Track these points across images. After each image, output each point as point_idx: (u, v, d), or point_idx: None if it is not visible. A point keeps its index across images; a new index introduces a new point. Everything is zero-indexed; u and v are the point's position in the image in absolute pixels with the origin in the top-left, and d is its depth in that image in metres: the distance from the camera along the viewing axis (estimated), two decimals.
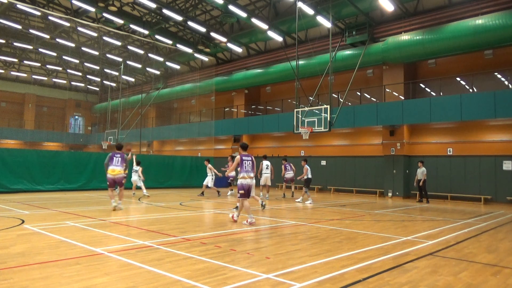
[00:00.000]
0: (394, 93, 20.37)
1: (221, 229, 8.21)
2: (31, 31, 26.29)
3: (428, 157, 19.01)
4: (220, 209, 12.04)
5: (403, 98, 19.87)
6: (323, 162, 22.89)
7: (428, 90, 21.02)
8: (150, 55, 29.82)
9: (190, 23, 22.56)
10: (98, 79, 40.22)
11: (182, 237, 6.96)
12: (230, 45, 25.33)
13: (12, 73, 38.30)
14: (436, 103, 17.87)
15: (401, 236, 7.67)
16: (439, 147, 19.45)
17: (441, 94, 19.95)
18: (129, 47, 29.27)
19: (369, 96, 23.07)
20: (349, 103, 22.07)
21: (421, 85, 21.06)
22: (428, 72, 20.56)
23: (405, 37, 18.95)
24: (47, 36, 26.90)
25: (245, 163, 8.88)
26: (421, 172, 16.69)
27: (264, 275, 4.62)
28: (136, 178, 16.19)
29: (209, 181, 16.75)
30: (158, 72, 34.06)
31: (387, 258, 5.74)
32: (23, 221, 8.39)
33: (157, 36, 25.38)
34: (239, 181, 8.87)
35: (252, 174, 8.90)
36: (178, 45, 26.61)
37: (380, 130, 21.01)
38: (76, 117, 44.70)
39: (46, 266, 4.83)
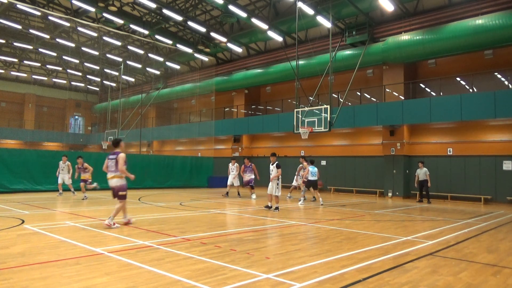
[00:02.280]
0: (394, 93, 20.37)
1: (221, 229, 8.21)
2: (31, 31, 26.27)
3: (428, 157, 19.00)
4: (220, 209, 12.03)
5: (403, 98, 19.86)
6: (323, 162, 22.88)
7: (428, 90, 21.01)
8: (150, 55, 29.80)
9: (190, 23, 22.54)
10: (98, 79, 40.21)
11: (182, 237, 6.95)
12: (230, 45, 25.32)
13: (12, 73, 38.29)
14: (436, 103, 17.86)
15: (401, 236, 7.66)
16: (439, 147, 19.44)
17: (441, 94, 19.94)
18: (129, 47, 29.26)
19: (369, 96, 23.06)
20: (349, 103, 22.06)
21: (421, 85, 21.05)
22: (428, 72, 20.55)
23: (405, 37, 18.94)
24: (47, 36, 26.88)
25: (109, 163, 8.06)
26: (423, 172, 16.45)
27: (264, 275, 4.62)
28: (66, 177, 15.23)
29: (230, 179, 17.05)
30: (158, 72, 34.05)
31: (387, 258, 5.74)
32: (23, 221, 8.39)
33: (157, 36, 25.36)
34: None
35: (111, 175, 7.98)
36: (178, 45, 26.60)
37: (380, 130, 21.00)
38: (76, 117, 44.67)
39: (46, 266, 4.83)
